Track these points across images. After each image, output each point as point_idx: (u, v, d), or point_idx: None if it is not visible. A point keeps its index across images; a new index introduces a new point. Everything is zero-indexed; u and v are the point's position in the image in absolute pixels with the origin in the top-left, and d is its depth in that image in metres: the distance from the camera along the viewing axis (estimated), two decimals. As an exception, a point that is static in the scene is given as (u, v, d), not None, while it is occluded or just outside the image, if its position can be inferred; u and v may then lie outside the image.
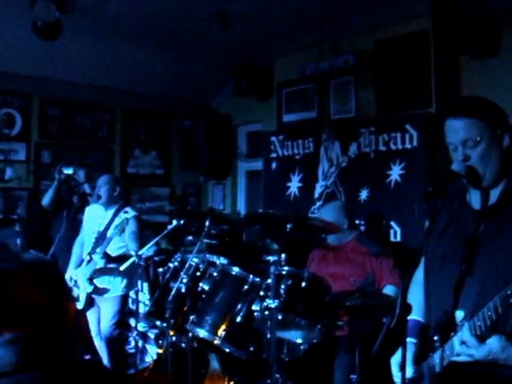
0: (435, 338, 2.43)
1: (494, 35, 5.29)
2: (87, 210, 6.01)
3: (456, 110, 2.46)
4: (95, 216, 5.83)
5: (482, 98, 2.52)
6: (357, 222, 5.78)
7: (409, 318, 2.53)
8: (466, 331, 2.20)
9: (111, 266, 5.51)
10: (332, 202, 5.80)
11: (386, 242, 5.68)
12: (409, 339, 2.50)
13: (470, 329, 2.20)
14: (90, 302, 5.56)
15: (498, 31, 5.26)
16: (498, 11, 5.16)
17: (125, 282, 5.66)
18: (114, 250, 5.51)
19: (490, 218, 2.36)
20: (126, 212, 5.54)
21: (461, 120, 2.42)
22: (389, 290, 4.66)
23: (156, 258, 6.54)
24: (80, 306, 5.52)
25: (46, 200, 6.55)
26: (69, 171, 6.34)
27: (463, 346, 2.22)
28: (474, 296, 2.30)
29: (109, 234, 5.40)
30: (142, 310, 5.83)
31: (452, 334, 2.32)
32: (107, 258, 5.36)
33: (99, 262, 5.40)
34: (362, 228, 5.99)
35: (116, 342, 5.69)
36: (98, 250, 5.36)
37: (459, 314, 2.31)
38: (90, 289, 5.48)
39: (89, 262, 5.52)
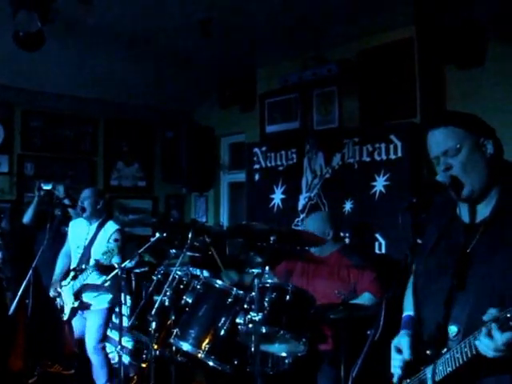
0: (428, 352, 2.41)
1: (479, 45, 5.29)
2: (71, 224, 5.99)
3: (434, 122, 2.48)
4: (79, 231, 5.81)
5: (461, 111, 2.53)
6: (341, 234, 5.75)
7: (403, 314, 2.63)
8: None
9: (98, 281, 5.48)
10: (318, 212, 5.77)
11: (370, 254, 5.66)
12: (403, 331, 2.59)
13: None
14: (73, 315, 5.56)
15: (482, 41, 5.27)
16: (482, 21, 5.17)
17: (109, 295, 5.62)
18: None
19: (484, 233, 2.33)
20: (109, 224, 5.56)
21: (439, 130, 2.44)
22: (365, 297, 4.62)
23: (137, 270, 6.49)
24: (65, 317, 5.51)
25: (27, 218, 6.48)
26: (48, 187, 6.29)
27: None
28: (467, 311, 2.27)
29: (97, 255, 5.34)
30: (125, 323, 5.77)
31: (445, 349, 2.29)
32: (100, 268, 5.32)
33: (92, 276, 5.36)
34: (347, 240, 5.96)
35: (101, 355, 5.65)
36: (87, 267, 5.36)
37: (452, 330, 2.29)
38: (75, 304, 5.48)
39: (74, 277, 5.49)
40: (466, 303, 2.29)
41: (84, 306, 5.57)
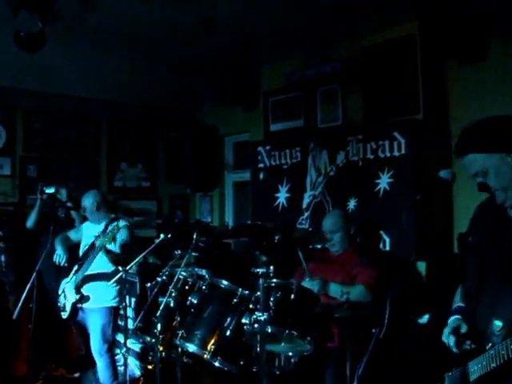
0: (472, 345, 2.52)
1: (481, 40, 5.27)
2: (84, 227, 6.01)
3: (456, 153, 2.66)
4: (91, 231, 5.80)
5: (481, 123, 2.66)
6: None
7: (455, 306, 2.81)
8: None
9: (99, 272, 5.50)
10: (333, 210, 5.76)
11: (375, 252, 5.65)
12: (454, 316, 2.75)
13: None
14: (75, 312, 5.54)
15: (485, 36, 5.25)
16: (484, 16, 5.14)
17: (113, 293, 5.61)
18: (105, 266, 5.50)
19: None
20: (118, 221, 5.52)
21: (462, 159, 2.61)
22: (357, 288, 4.71)
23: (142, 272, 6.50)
24: (65, 315, 5.50)
25: (30, 222, 6.46)
26: (50, 190, 6.28)
27: None
28: (511, 307, 2.36)
29: (99, 242, 5.35)
30: (130, 325, 5.76)
31: (489, 344, 2.36)
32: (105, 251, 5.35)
33: (95, 265, 5.40)
34: (358, 239, 5.96)
35: (105, 357, 5.62)
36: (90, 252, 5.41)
37: (497, 325, 2.33)
38: (75, 298, 5.47)
39: (77, 271, 5.51)
40: (511, 299, 2.37)
41: (85, 299, 5.55)
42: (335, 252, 5.15)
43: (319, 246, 5.31)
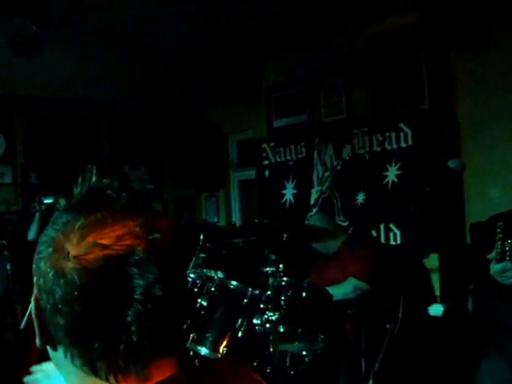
0: None
1: (484, 27, 5.22)
2: None
3: None
4: None
5: None
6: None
7: None
8: None
9: None
10: (314, 214, 5.75)
11: (373, 243, 5.62)
12: None
13: None
14: None
15: (487, 22, 5.19)
16: (486, 2, 5.09)
17: None
18: None
19: None
20: None
21: None
22: (349, 283, 4.71)
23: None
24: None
25: (31, 235, 6.39)
26: (49, 201, 6.21)
27: None
28: None
29: None
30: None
31: None
32: None
33: None
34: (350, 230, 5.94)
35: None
36: None
37: None
38: None
39: None
40: None
41: None
42: (327, 250, 5.10)
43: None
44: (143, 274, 0.92)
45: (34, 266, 1.01)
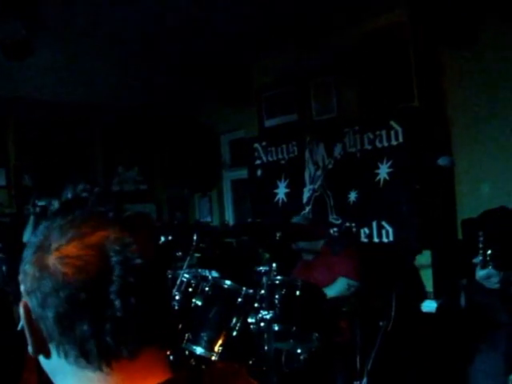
0: None
1: (472, 24, 5.24)
2: None
3: None
4: None
5: None
6: (347, 224, 5.79)
7: None
8: None
9: None
10: (295, 217, 5.76)
11: (356, 243, 5.66)
12: None
13: None
14: None
15: (475, 19, 5.22)
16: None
17: None
18: None
19: None
20: None
21: None
22: (338, 283, 4.74)
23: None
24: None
25: (26, 237, 6.37)
26: (43, 203, 6.20)
27: None
28: None
29: None
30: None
31: None
32: None
33: None
34: (334, 232, 5.98)
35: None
36: None
37: None
38: None
39: None
40: None
41: None
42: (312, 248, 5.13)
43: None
44: (121, 252, 0.98)
45: (20, 275, 1.07)
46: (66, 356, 0.99)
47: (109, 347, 0.97)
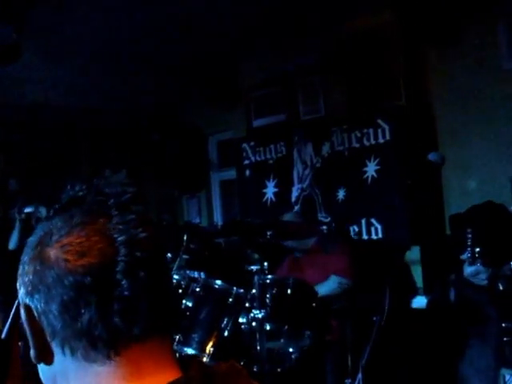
0: None
1: (456, 24, 5.28)
2: None
3: None
4: None
5: None
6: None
7: None
8: None
9: None
10: (286, 213, 5.76)
11: (348, 240, 5.65)
12: None
13: None
14: None
15: (459, 20, 5.26)
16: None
17: None
18: None
19: None
20: None
21: None
22: (330, 280, 4.72)
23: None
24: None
25: (12, 244, 6.31)
26: (29, 210, 6.16)
27: None
28: None
29: None
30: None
31: None
32: None
33: None
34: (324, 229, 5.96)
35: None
36: None
37: None
38: None
39: None
40: None
41: None
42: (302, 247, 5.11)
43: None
44: (125, 230, 0.98)
45: (18, 281, 1.05)
46: (73, 352, 0.97)
47: (118, 328, 0.95)
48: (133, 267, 0.96)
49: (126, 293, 0.95)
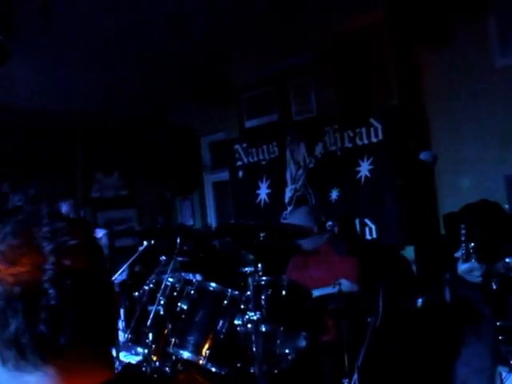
0: None
1: (446, 24, 5.30)
2: None
3: None
4: None
5: None
6: (329, 223, 5.75)
7: None
8: None
9: None
10: (299, 207, 5.72)
11: (358, 241, 5.62)
12: None
13: None
14: None
15: (449, 19, 5.28)
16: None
17: None
18: None
19: None
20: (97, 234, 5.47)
21: None
22: (344, 286, 4.62)
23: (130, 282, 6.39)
24: None
25: None
26: None
27: None
28: None
29: None
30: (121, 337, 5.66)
31: None
32: None
33: None
34: (336, 229, 5.91)
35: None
36: None
37: None
38: None
39: None
40: None
41: None
42: (311, 247, 5.05)
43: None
44: (53, 238, 0.98)
45: None
46: (4, 362, 0.97)
47: (44, 337, 0.95)
48: (60, 276, 0.96)
49: (52, 302, 0.95)
